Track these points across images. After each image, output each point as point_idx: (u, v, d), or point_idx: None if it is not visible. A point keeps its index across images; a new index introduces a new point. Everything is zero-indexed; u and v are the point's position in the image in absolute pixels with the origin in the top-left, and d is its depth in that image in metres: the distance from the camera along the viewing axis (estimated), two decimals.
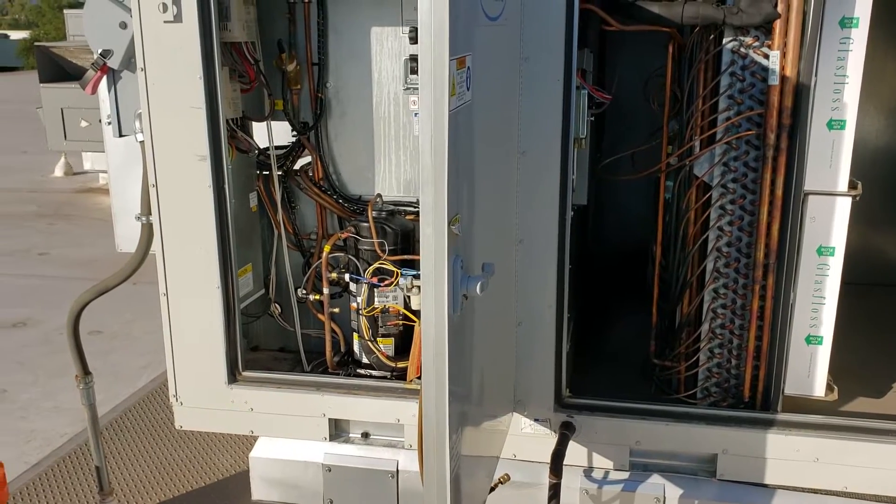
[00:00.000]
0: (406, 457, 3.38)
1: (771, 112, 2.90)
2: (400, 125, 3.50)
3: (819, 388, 3.19)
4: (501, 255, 3.00)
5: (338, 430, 3.47)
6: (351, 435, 3.48)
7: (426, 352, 2.06)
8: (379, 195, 3.47)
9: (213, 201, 3.19)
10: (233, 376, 3.42)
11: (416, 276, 3.09)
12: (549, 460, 3.06)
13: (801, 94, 2.86)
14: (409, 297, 2.76)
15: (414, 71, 3.25)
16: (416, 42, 3.04)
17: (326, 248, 3.41)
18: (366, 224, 3.36)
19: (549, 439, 3.18)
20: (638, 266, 4.45)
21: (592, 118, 3.21)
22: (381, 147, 3.53)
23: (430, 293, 1.98)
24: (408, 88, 3.42)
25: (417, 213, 3.60)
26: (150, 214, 3.28)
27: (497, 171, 2.84)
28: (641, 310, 3.63)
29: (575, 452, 3.23)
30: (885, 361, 3.75)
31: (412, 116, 3.49)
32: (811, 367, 3.18)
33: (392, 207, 3.47)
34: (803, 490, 3.11)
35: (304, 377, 3.47)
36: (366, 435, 3.46)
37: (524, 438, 3.28)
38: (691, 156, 3.10)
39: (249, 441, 3.78)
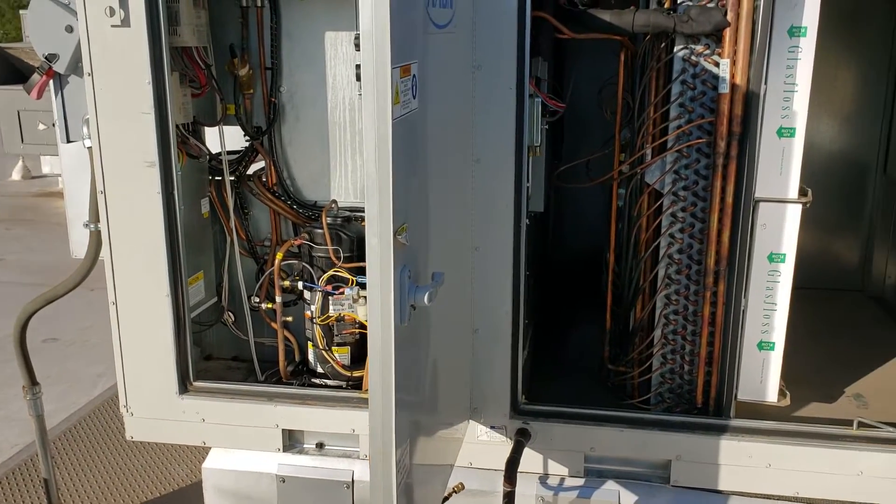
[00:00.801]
0: (362, 467, 3.35)
1: (721, 120, 2.92)
2: (356, 130, 3.47)
3: (772, 394, 3.22)
4: (456, 262, 2.98)
5: (292, 440, 3.43)
6: (305, 445, 3.44)
7: (373, 363, 2.03)
8: (334, 201, 3.44)
9: (163, 208, 3.13)
10: (184, 386, 3.36)
11: (364, 286, 3.06)
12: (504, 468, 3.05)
13: (750, 102, 2.88)
14: (355, 300, 2.74)
15: (360, 78, 3.22)
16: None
17: (279, 256, 3.37)
18: (320, 230, 3.33)
19: (505, 447, 3.17)
20: (596, 272, 4.46)
21: (547, 126, 3.20)
22: (337, 152, 3.50)
23: (376, 303, 1.95)
24: (362, 94, 3.38)
25: None
26: (99, 221, 3.21)
27: (451, 179, 2.82)
28: (599, 316, 3.64)
29: (531, 459, 3.23)
30: (838, 367, 3.80)
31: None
32: (763, 373, 3.20)
33: (347, 213, 3.44)
34: (756, 496, 3.13)
35: (257, 387, 3.42)
36: (320, 445, 3.42)
37: (480, 446, 3.27)
38: (643, 164, 3.11)
39: (204, 451, 3.73)
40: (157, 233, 3.16)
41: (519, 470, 3.06)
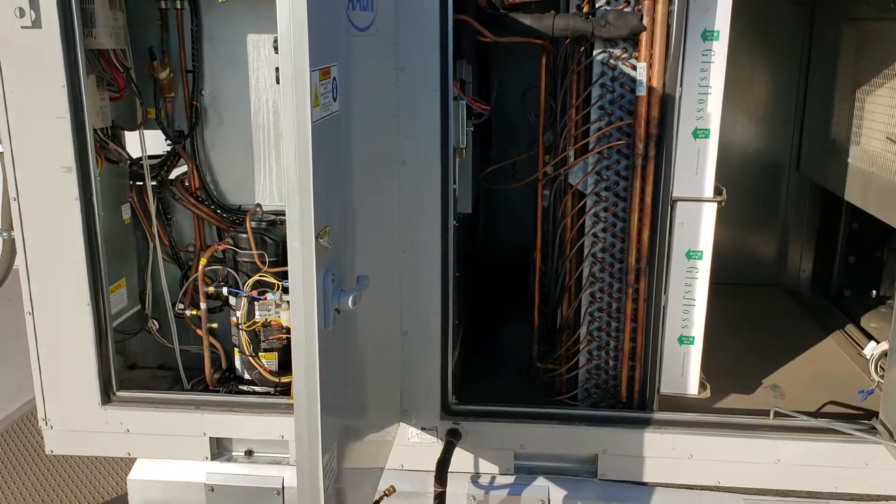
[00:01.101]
0: (292, 473, 3.32)
1: (639, 122, 3.00)
2: (279, 133, 3.44)
3: (692, 387, 3.32)
4: (384, 265, 2.99)
5: (220, 448, 3.38)
6: (234, 453, 3.39)
7: (297, 368, 2.02)
8: (258, 205, 3.40)
9: (81, 214, 3.05)
10: (106, 397, 3.28)
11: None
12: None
13: (666, 105, 2.97)
14: (277, 304, 2.72)
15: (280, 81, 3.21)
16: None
17: (202, 261, 3.32)
18: (244, 235, 3.29)
19: (436, 447, 3.19)
20: (526, 272, 4.53)
21: (472, 128, 3.24)
22: (261, 156, 3.47)
23: (299, 308, 1.94)
24: (281, 97, 3.36)
25: None
26: (13, 230, 3.11)
27: (376, 182, 2.83)
28: (528, 315, 3.69)
29: (462, 459, 3.25)
30: (756, 359, 3.93)
31: None
32: (684, 367, 3.30)
33: (272, 217, 3.40)
34: (679, 486, 3.23)
35: (183, 395, 3.36)
36: (249, 452, 3.38)
37: (411, 448, 3.28)
38: (566, 165, 3.17)
39: (130, 463, 3.64)
40: (76, 240, 3.07)
41: (450, 470, 3.08)
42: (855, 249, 4.66)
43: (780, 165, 4.93)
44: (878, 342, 3.38)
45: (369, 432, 2.92)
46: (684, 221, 3.15)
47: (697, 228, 3.16)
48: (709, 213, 3.16)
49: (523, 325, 3.84)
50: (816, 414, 3.33)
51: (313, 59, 1.84)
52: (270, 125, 3.43)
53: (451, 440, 3.15)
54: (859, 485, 3.11)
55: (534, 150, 3.40)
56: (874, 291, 4.65)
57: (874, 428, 3.03)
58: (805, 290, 4.95)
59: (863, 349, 4.02)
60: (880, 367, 3.31)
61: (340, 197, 2.21)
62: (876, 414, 3.10)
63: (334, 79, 2.02)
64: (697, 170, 3.11)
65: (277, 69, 3.22)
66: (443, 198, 3.02)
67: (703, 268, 3.21)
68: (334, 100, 2.04)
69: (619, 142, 3.08)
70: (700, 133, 3.08)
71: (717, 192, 3.16)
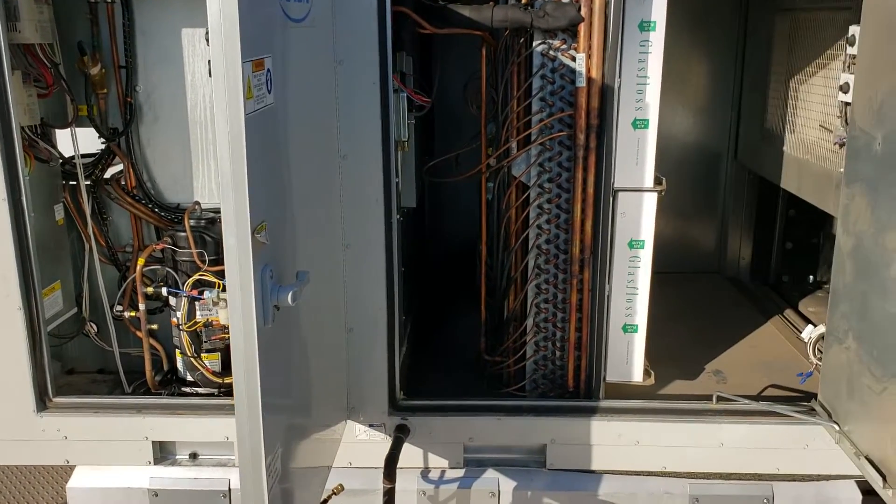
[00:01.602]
0: (238, 475, 3.25)
1: (579, 113, 3.02)
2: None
3: (637, 374, 3.36)
4: (327, 260, 2.95)
5: (163, 452, 3.30)
6: (178, 456, 3.32)
7: (236, 367, 1.97)
8: (197, 202, 3.33)
9: (10, 216, 2.94)
10: (42, 403, 3.18)
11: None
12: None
13: (606, 95, 2.99)
14: (214, 302, 2.66)
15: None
16: None
17: (140, 261, 3.23)
18: (183, 234, 3.21)
19: (385, 444, 3.16)
20: (472, 265, 4.53)
21: (414, 121, 3.21)
22: (199, 152, 3.39)
23: (237, 306, 1.90)
24: (213, 90, 3.29)
25: None
26: None
27: (317, 176, 2.79)
28: (477, 308, 3.69)
29: (411, 454, 3.24)
30: (699, 346, 3.99)
31: None
32: (629, 355, 3.34)
33: (212, 215, 3.33)
34: (627, 473, 3.26)
35: (123, 399, 3.28)
36: (194, 455, 3.31)
37: (359, 445, 3.25)
38: (509, 157, 3.17)
39: (69, 471, 3.53)
40: (5, 242, 2.97)
41: (399, 466, 3.06)
42: (792, 236, 4.76)
43: (718, 155, 5.02)
44: (815, 326, 3.45)
45: (315, 431, 2.88)
46: (626, 211, 3.18)
47: (639, 218, 3.19)
48: (649, 202, 3.19)
49: (471, 318, 3.84)
50: (758, 397, 3.40)
51: (245, 50, 1.79)
52: (208, 121, 3.36)
53: (400, 436, 3.13)
54: (801, 465, 3.18)
55: (477, 142, 3.39)
56: (811, 276, 4.76)
57: (813, 409, 3.10)
58: (745, 276, 5.05)
59: (801, 333, 4.13)
60: (818, 349, 3.39)
61: (278, 191, 2.17)
62: (815, 395, 3.17)
63: (268, 70, 1.98)
64: (638, 160, 3.14)
65: (210, 62, 3.15)
66: (385, 191, 3.00)
67: (645, 257, 3.25)
68: (269, 92, 1.99)
69: (561, 133, 3.09)
70: (639, 123, 3.11)
71: (657, 181, 3.20)
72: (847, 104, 3.35)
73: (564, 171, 3.14)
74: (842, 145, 3.44)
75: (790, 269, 4.81)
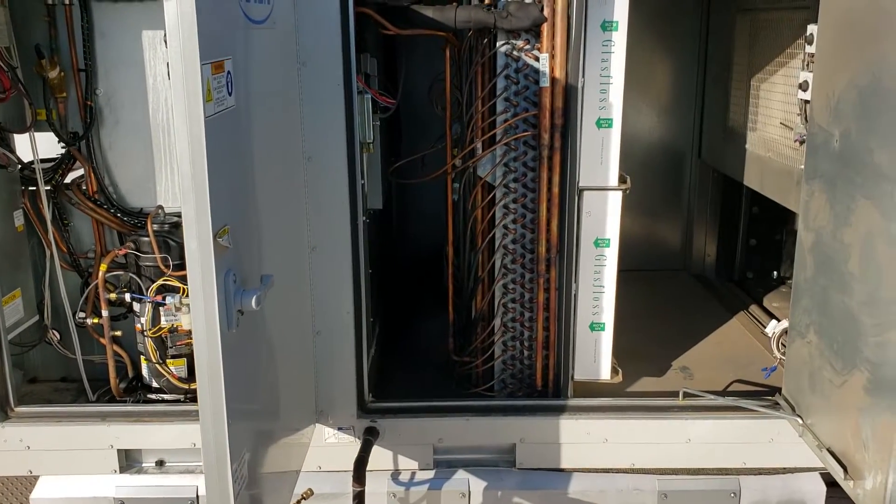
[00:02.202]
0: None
1: (544, 113, 3.03)
2: None
3: (605, 372, 3.38)
4: (293, 263, 2.93)
5: (129, 460, 3.26)
6: (144, 464, 3.28)
7: (200, 373, 1.95)
8: (160, 207, 3.28)
9: None
10: (4, 413, 3.12)
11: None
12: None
13: (570, 95, 3.00)
14: (177, 308, 2.61)
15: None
16: None
17: (103, 267, 3.18)
18: (147, 238, 3.17)
19: (354, 447, 3.15)
20: (439, 266, 4.53)
21: (379, 122, 3.21)
22: (161, 156, 3.35)
23: (199, 311, 1.88)
24: (172, 92, 3.26)
25: None
26: None
27: (281, 178, 2.77)
28: (444, 309, 3.69)
29: (381, 457, 3.22)
30: (665, 343, 4.03)
31: None
32: (596, 353, 3.36)
33: (175, 219, 3.28)
34: (596, 471, 3.28)
35: (87, 408, 3.23)
36: (161, 463, 3.27)
37: (328, 448, 3.23)
38: (474, 157, 3.18)
39: (33, 481, 3.47)
40: None
41: (369, 468, 3.05)
42: (756, 233, 4.83)
43: (682, 153, 5.07)
44: (779, 321, 3.50)
45: (283, 435, 2.86)
46: (591, 210, 3.20)
47: (604, 217, 3.21)
48: (614, 201, 3.21)
49: (440, 319, 3.84)
50: (724, 393, 3.44)
51: (204, 51, 1.77)
52: (170, 124, 3.32)
53: (369, 438, 3.12)
54: (766, 458, 3.23)
55: (442, 143, 3.39)
56: (775, 272, 4.84)
57: (777, 403, 3.14)
58: (710, 274, 5.10)
59: (765, 328, 4.19)
60: (781, 344, 3.44)
61: (240, 194, 2.15)
62: (779, 390, 3.22)
63: (228, 73, 1.96)
64: (602, 159, 3.16)
65: (168, 64, 3.12)
66: (351, 193, 2.98)
67: (611, 255, 3.27)
68: (229, 94, 1.98)
69: (526, 133, 3.10)
70: (603, 123, 3.13)
71: (622, 180, 3.22)
72: (806, 102, 3.41)
73: (530, 171, 3.16)
74: (802, 142, 3.50)
75: (754, 266, 4.88)
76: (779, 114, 3.81)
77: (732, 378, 3.64)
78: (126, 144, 3.37)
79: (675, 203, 5.18)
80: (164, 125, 3.32)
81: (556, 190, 3.10)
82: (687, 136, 5.04)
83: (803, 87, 3.34)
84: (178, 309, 2.59)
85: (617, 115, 3.12)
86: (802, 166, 3.52)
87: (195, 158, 1.79)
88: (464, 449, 3.27)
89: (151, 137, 3.33)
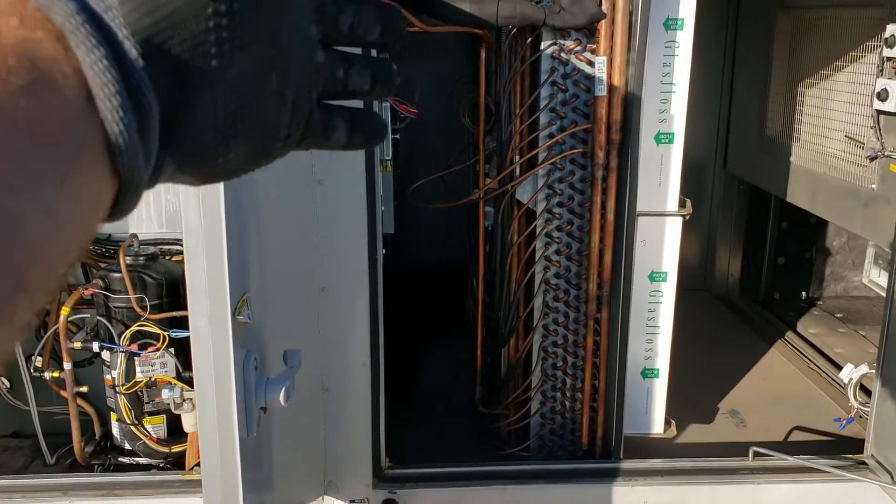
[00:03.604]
0: None
1: (599, 127, 2.55)
2: None
3: (658, 426, 2.93)
4: (300, 308, 2.42)
5: None
6: None
7: (209, 488, 1.43)
8: (134, 235, 2.74)
9: None
10: None
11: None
12: None
13: (630, 106, 2.53)
14: (177, 405, 2.07)
15: None
16: None
17: (65, 311, 2.63)
18: (118, 274, 2.62)
19: None
20: (443, 291, 4.04)
21: (397, 136, 2.70)
22: None
23: (209, 415, 1.36)
24: None
25: None
26: None
27: (287, 207, 2.26)
28: (455, 343, 3.20)
29: None
30: (705, 379, 3.58)
31: None
32: (648, 403, 2.91)
33: (153, 250, 2.75)
34: None
35: (42, 479, 2.66)
36: None
37: None
38: (514, 180, 2.68)
39: None
40: None
41: None
42: (784, 250, 4.44)
43: (705, 162, 4.64)
44: (855, 366, 3.07)
45: None
46: (646, 239, 2.74)
47: (661, 246, 2.76)
48: (673, 228, 2.77)
49: (451, 353, 3.36)
50: (787, 444, 3.02)
51: None
52: None
53: None
54: None
55: (473, 159, 2.90)
56: (804, 293, 4.46)
57: (864, 463, 2.72)
58: (733, 294, 4.70)
59: (807, 358, 3.80)
60: (859, 391, 3.01)
61: (252, 245, 1.63)
62: (860, 445, 2.79)
63: None
64: (661, 180, 2.70)
65: None
66: (370, 223, 2.47)
67: (668, 290, 2.82)
68: None
69: (575, 150, 2.62)
70: (663, 138, 2.67)
71: (681, 204, 2.77)
72: (882, 113, 2.99)
73: (577, 194, 2.68)
74: (874, 159, 3.08)
75: (782, 286, 4.49)
76: (838, 125, 3.39)
77: (790, 424, 3.21)
78: None
79: (695, 217, 4.70)
80: None
81: (610, 217, 2.62)
82: (710, 145, 4.61)
83: (881, 96, 2.92)
84: (177, 406, 2.04)
85: (679, 128, 2.67)
86: (874, 186, 3.12)
87: (209, 209, 1.27)
88: None
89: None
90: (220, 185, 1.27)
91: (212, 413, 1.37)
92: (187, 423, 2.16)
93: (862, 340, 3.86)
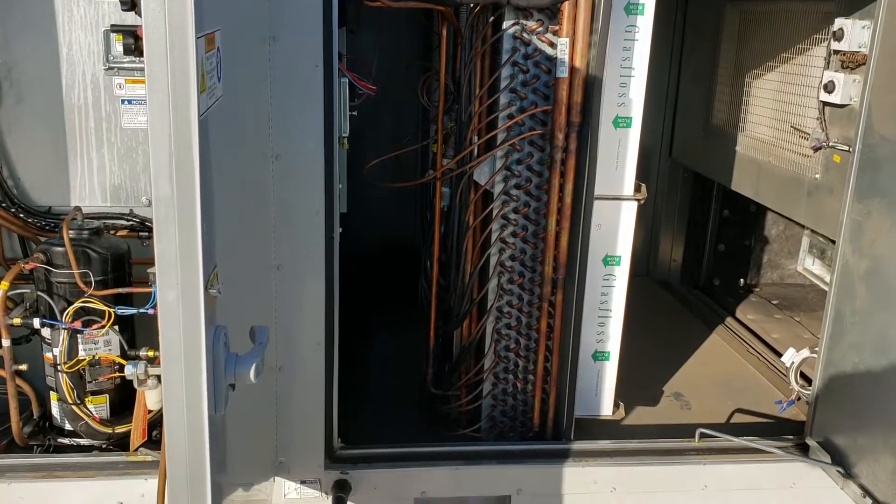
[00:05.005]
0: None
1: (559, 109, 2.55)
2: (102, 115, 2.70)
3: (607, 407, 2.98)
4: (254, 286, 2.37)
5: None
6: None
7: (175, 468, 1.39)
8: (77, 208, 2.63)
9: None
10: None
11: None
12: None
13: (592, 89, 2.53)
14: (140, 381, 1.99)
15: (131, 50, 2.44)
16: (132, 8, 2.26)
17: (4, 285, 2.51)
18: (60, 248, 2.51)
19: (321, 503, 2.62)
20: (392, 272, 4.02)
21: (354, 112, 2.65)
22: (77, 143, 2.70)
23: (177, 393, 1.31)
24: (111, 68, 2.62)
25: (132, 228, 2.83)
26: None
27: (242, 182, 2.19)
28: (405, 323, 3.17)
29: None
30: (650, 363, 3.64)
31: (119, 104, 2.70)
32: (599, 386, 2.96)
33: (97, 224, 2.64)
34: None
35: None
36: None
37: None
38: (471, 160, 2.67)
39: None
40: None
41: None
42: (724, 238, 4.55)
43: (651, 150, 4.70)
44: (796, 350, 3.15)
45: (233, 492, 2.31)
46: (602, 223, 2.76)
47: (616, 230, 2.79)
48: (629, 212, 2.80)
49: (403, 334, 3.33)
50: (730, 426, 3.10)
51: (199, 21, 1.20)
52: (89, 105, 2.68)
53: (341, 495, 2.59)
54: None
55: (419, 140, 2.87)
56: (742, 280, 4.57)
57: (804, 445, 2.81)
58: (674, 280, 4.80)
59: (746, 343, 3.89)
60: (799, 376, 3.10)
61: (221, 216, 1.58)
62: (800, 427, 2.88)
63: (218, 49, 1.39)
64: (618, 164, 2.73)
65: (116, 28, 2.47)
66: (327, 200, 2.43)
67: (621, 274, 2.86)
68: (219, 80, 1.40)
69: (534, 131, 2.62)
70: (621, 121, 2.70)
71: (637, 188, 2.80)
72: (828, 104, 3.08)
73: (535, 177, 2.68)
74: (818, 149, 3.17)
75: (721, 273, 4.60)
76: (783, 115, 3.47)
77: (732, 407, 3.30)
78: (31, 128, 2.70)
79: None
80: (81, 105, 2.68)
81: (568, 200, 2.63)
82: (656, 133, 4.68)
83: (828, 88, 3.00)
84: (141, 381, 1.96)
85: (637, 113, 2.70)
86: (817, 175, 3.21)
87: (182, 175, 1.22)
88: (451, 502, 2.78)
89: (64, 121, 2.67)
90: (194, 152, 1.21)
91: (179, 390, 1.32)
92: (151, 400, 2.08)
93: (797, 326, 3.97)
